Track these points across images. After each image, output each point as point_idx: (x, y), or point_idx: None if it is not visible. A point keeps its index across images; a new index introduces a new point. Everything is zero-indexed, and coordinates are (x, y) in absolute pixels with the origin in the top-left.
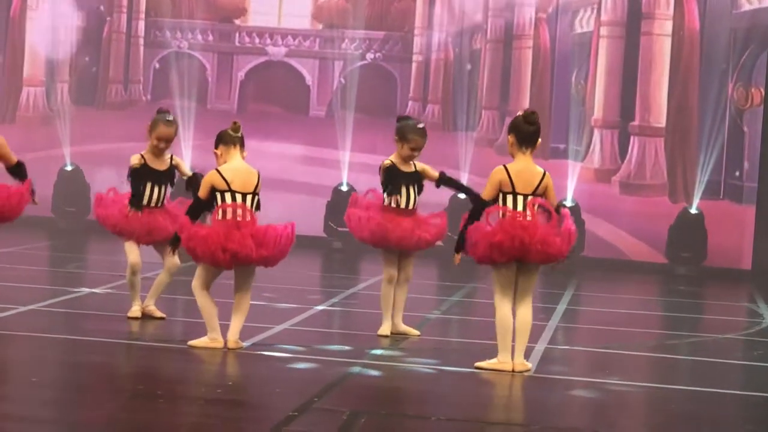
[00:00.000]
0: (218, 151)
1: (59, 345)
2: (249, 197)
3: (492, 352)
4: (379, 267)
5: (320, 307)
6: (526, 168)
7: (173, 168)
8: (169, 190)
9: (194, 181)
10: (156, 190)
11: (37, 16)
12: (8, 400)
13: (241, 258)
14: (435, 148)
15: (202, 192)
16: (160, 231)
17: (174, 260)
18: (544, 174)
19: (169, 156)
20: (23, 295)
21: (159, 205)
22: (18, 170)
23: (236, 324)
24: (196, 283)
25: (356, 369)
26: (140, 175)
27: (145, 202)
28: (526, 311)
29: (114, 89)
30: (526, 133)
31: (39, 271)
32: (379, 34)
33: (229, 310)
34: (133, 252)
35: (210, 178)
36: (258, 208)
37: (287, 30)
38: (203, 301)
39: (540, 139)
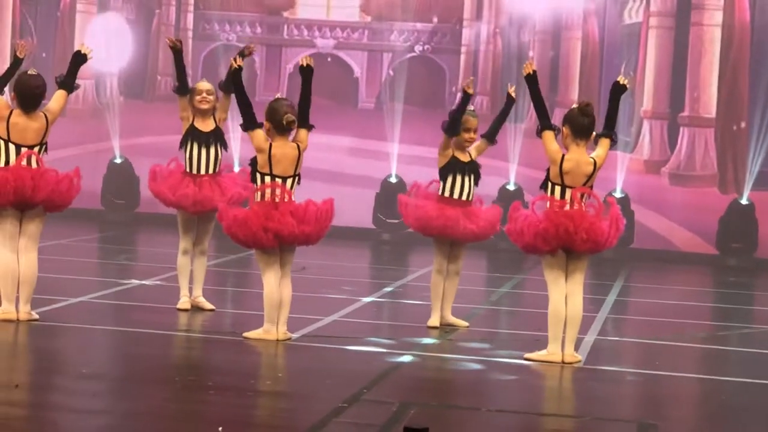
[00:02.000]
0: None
1: (109, 336)
2: (288, 180)
3: (542, 344)
4: (429, 258)
5: (369, 299)
6: (577, 162)
7: (219, 129)
8: (221, 153)
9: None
10: (203, 152)
11: (87, 9)
12: (59, 391)
13: (284, 236)
14: None
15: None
16: (207, 202)
17: (205, 246)
18: (595, 164)
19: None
20: (74, 286)
21: (209, 170)
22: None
23: (282, 315)
24: (262, 273)
25: (406, 360)
26: (185, 136)
27: (191, 167)
28: (576, 302)
29: (163, 82)
30: (580, 125)
31: (89, 263)
32: (428, 26)
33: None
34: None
35: (261, 143)
36: (299, 183)
37: (336, 22)
38: (267, 290)
39: (594, 132)
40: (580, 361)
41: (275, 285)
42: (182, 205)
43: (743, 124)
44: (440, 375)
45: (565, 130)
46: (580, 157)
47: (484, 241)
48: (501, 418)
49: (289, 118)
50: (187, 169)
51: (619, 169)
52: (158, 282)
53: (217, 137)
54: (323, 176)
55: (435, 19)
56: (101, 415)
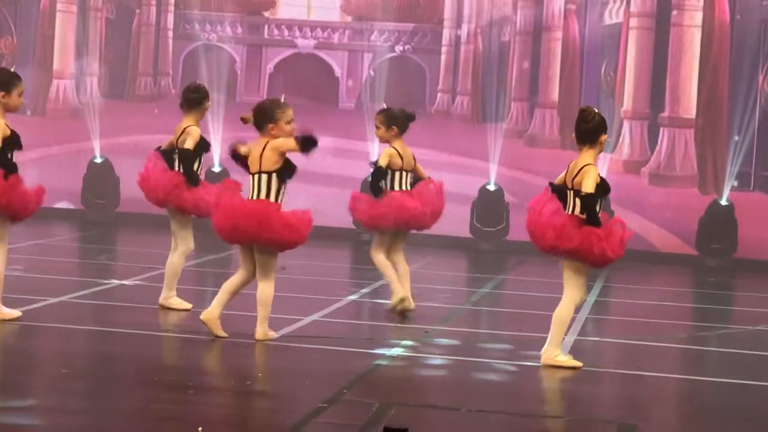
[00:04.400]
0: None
1: (89, 336)
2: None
3: (521, 344)
4: (408, 258)
5: (350, 299)
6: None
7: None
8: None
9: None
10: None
11: (67, 8)
12: (38, 391)
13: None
14: (464, 140)
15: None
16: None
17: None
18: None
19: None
20: (53, 286)
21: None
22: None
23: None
24: (271, 275)
25: (386, 361)
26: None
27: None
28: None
29: (143, 82)
30: (580, 130)
31: (69, 262)
32: (408, 26)
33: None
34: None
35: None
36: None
37: (316, 22)
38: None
39: (605, 135)
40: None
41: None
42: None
43: (723, 125)
44: (420, 375)
45: (574, 135)
46: (576, 162)
47: (465, 242)
48: (481, 418)
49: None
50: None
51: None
52: (138, 282)
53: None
54: (303, 176)
55: (415, 20)
56: (81, 416)
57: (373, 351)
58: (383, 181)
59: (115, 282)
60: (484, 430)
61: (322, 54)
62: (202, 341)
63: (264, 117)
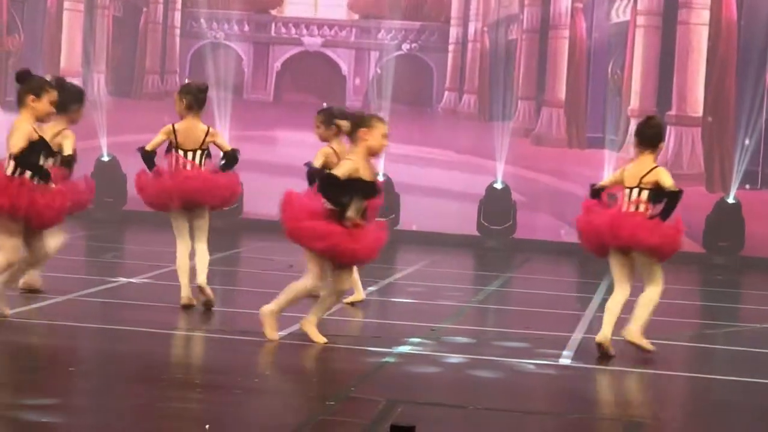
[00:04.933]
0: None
1: (96, 334)
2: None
3: (529, 342)
4: (416, 257)
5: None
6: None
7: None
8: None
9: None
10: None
11: (74, 7)
12: (46, 389)
13: None
14: (471, 138)
15: None
16: None
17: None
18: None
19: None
20: (61, 284)
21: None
22: None
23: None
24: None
25: (392, 358)
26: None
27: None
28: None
29: (150, 80)
30: (643, 135)
31: (76, 261)
32: (416, 25)
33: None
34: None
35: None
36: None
37: (323, 20)
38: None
39: (662, 142)
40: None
41: None
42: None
43: (730, 123)
44: (427, 373)
45: (635, 140)
46: (640, 164)
47: (472, 239)
48: (488, 416)
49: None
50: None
51: (607, 167)
52: (146, 280)
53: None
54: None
55: (422, 18)
56: (88, 414)
57: (380, 349)
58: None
59: (123, 280)
60: (491, 428)
61: (329, 52)
62: (210, 339)
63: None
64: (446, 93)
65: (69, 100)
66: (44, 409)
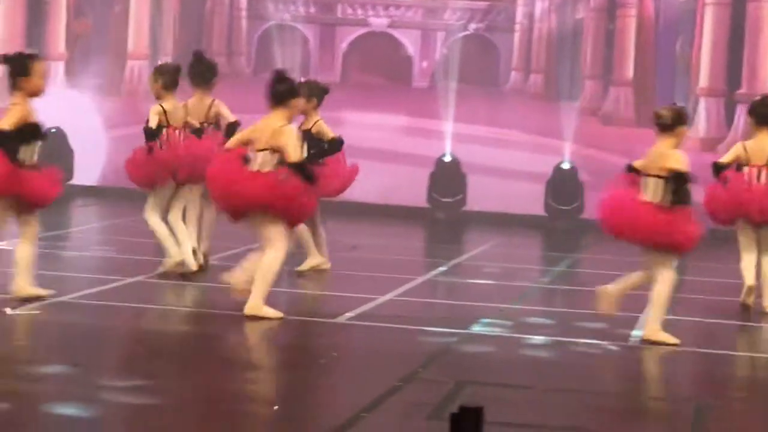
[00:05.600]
0: None
1: (164, 315)
2: None
3: (597, 323)
4: (484, 237)
5: (424, 278)
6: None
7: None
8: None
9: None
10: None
11: None
12: (110, 370)
13: None
14: (538, 118)
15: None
16: None
17: None
18: None
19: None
20: (128, 266)
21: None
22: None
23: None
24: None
25: (461, 339)
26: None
27: None
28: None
29: (218, 62)
30: (760, 114)
31: (143, 243)
32: (482, 5)
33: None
34: None
35: None
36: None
37: (390, 1)
38: None
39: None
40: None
41: None
42: None
43: None
44: (495, 354)
45: (750, 119)
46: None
47: (538, 220)
48: (556, 397)
49: None
50: None
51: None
52: (215, 262)
53: None
54: (377, 155)
55: None
56: (158, 395)
57: (448, 329)
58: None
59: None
60: (559, 408)
61: (396, 33)
62: (277, 321)
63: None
64: (513, 73)
65: (211, 74)
66: (114, 390)
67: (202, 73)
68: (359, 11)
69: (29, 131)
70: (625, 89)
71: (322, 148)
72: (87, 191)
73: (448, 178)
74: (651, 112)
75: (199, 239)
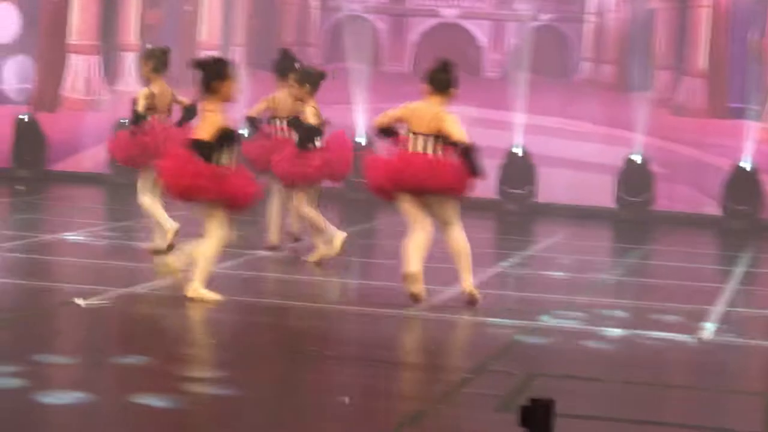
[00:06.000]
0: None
1: (235, 307)
2: None
3: (665, 316)
4: (554, 229)
5: (494, 270)
6: None
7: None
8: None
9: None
10: None
11: None
12: (191, 362)
13: None
14: (609, 109)
15: None
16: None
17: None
18: None
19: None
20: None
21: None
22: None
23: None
24: None
25: (530, 331)
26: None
27: None
28: None
29: None
30: None
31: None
32: None
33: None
34: None
35: None
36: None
37: None
38: None
39: None
40: None
41: None
42: None
43: None
44: (565, 346)
45: None
46: None
47: (608, 211)
48: (626, 389)
49: None
50: None
51: (748, 138)
52: (283, 253)
53: None
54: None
55: None
56: (228, 385)
57: (518, 321)
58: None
59: (262, 253)
60: (628, 401)
61: (466, 23)
62: (349, 313)
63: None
64: (583, 63)
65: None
66: (188, 380)
67: (289, 68)
68: (430, 2)
69: (226, 137)
70: (698, 80)
71: (306, 134)
72: None
73: (518, 169)
74: (723, 103)
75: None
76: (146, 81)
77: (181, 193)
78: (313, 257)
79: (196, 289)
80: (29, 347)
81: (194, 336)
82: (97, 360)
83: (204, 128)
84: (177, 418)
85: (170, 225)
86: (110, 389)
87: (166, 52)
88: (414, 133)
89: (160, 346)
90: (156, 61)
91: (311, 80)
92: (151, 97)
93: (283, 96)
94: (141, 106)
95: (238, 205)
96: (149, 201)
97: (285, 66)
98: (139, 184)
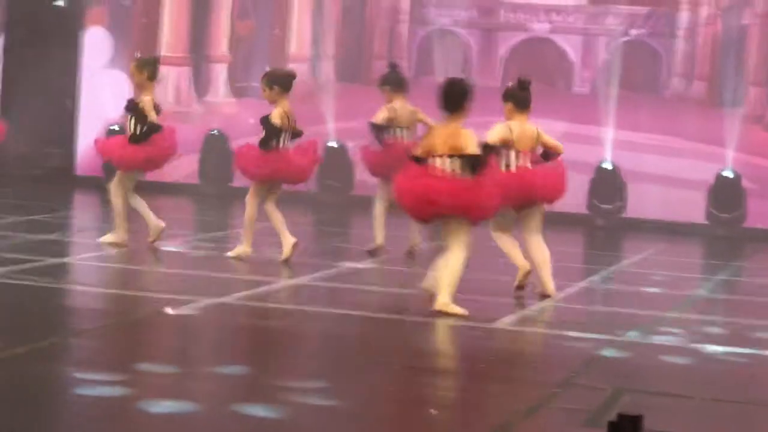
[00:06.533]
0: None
1: (325, 318)
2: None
3: (757, 333)
4: (643, 245)
5: (582, 284)
6: None
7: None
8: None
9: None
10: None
11: None
12: (279, 372)
13: None
14: (700, 125)
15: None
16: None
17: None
18: None
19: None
20: (289, 268)
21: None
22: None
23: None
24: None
25: (618, 346)
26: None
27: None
28: None
29: (378, 66)
30: None
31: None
32: (643, 10)
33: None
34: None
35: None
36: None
37: (551, 6)
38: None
39: None
40: None
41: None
42: None
43: None
44: (653, 362)
45: None
46: None
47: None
48: (718, 407)
49: None
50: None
51: None
52: (371, 265)
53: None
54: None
55: (650, 3)
56: (321, 394)
57: (606, 336)
58: (275, 140)
59: (348, 264)
60: (719, 419)
61: (557, 38)
62: (436, 325)
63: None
64: (674, 79)
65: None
66: (280, 390)
67: (401, 81)
68: (521, 16)
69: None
70: None
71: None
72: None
73: (608, 185)
74: None
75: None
76: (139, 89)
77: (421, 211)
78: (234, 252)
79: (445, 303)
80: (129, 356)
81: (286, 346)
82: (196, 369)
83: (469, 143)
84: (283, 428)
85: (157, 222)
86: (211, 398)
87: (157, 60)
88: (516, 151)
89: (254, 355)
90: (151, 69)
91: (280, 82)
92: (392, 111)
93: (400, 106)
94: (154, 116)
95: (481, 216)
96: (137, 200)
97: (397, 78)
98: (116, 180)
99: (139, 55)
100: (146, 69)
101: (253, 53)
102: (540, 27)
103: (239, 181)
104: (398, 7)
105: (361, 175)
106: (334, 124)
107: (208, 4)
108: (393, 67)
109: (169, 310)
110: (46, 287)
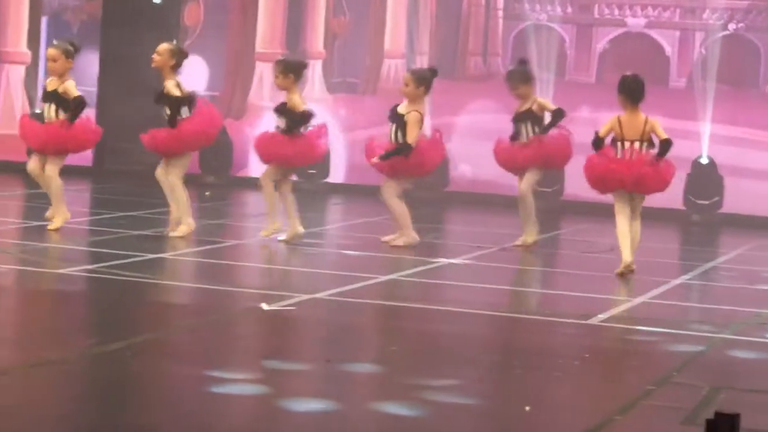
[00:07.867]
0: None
1: (417, 314)
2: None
3: None
4: (741, 240)
5: (678, 281)
6: None
7: None
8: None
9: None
10: None
11: None
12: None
13: None
14: None
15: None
16: None
17: None
18: None
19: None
20: (379, 264)
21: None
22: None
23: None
24: None
25: (715, 343)
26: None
27: None
28: None
29: (473, 61)
30: None
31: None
32: (742, 4)
33: None
34: None
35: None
36: None
37: (647, 1)
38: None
39: None
40: None
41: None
42: None
43: None
44: (751, 359)
45: None
46: None
47: None
48: None
49: None
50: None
51: None
52: (467, 261)
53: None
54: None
55: None
56: (410, 389)
57: (702, 333)
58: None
59: (444, 261)
60: None
61: (653, 33)
62: (530, 321)
63: None
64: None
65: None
66: (367, 385)
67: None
68: (616, 11)
69: None
70: None
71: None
72: (336, 189)
73: (704, 180)
74: None
75: None
76: (282, 90)
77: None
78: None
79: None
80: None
81: (369, 342)
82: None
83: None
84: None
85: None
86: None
87: (305, 65)
88: (624, 140)
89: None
90: (297, 71)
91: (294, 70)
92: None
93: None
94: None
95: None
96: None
97: (526, 74)
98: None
99: (282, 58)
100: (292, 72)
101: (349, 49)
102: (636, 22)
103: (334, 176)
104: (494, 2)
105: (454, 171)
106: (430, 119)
107: (303, 1)
108: (522, 63)
109: (264, 306)
110: (141, 282)
